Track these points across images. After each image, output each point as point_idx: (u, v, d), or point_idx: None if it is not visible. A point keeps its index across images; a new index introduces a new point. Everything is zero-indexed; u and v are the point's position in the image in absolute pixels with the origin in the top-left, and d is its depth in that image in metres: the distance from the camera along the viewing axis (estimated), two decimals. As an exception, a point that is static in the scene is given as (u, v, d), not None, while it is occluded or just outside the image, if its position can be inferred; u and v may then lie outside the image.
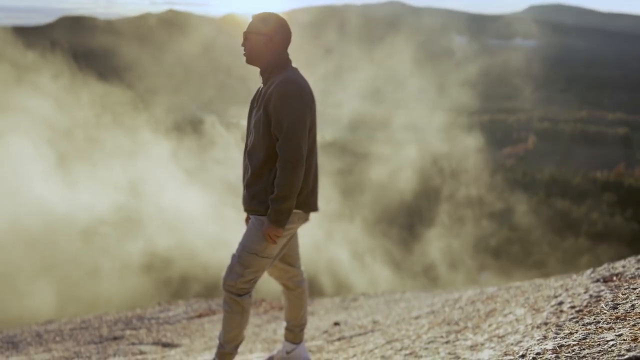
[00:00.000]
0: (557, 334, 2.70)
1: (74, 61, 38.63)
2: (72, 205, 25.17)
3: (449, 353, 3.18)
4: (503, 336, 3.12)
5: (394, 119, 79.68)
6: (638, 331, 2.42)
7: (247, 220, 3.66)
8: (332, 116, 74.95)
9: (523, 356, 2.55)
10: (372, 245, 39.72)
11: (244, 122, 3.77)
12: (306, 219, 3.48)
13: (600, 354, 2.28)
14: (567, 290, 3.62)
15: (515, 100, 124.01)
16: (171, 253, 26.78)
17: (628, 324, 2.55)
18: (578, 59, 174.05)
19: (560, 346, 2.49)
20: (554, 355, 2.41)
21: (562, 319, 2.93)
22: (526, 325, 3.13)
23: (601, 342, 2.40)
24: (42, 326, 8.30)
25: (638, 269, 3.52)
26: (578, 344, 2.46)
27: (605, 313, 2.81)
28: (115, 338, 6.87)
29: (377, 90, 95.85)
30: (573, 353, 2.37)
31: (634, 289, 3.08)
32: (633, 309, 2.73)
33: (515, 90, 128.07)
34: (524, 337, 2.89)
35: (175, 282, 27.34)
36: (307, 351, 3.90)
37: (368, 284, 31.26)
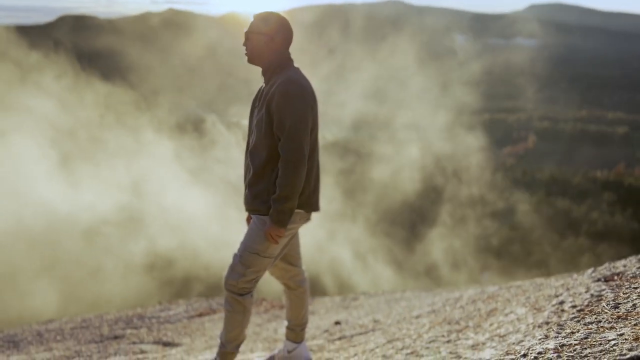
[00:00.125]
0: (558, 333, 2.70)
1: (76, 60, 38.60)
2: (74, 205, 25.17)
3: (450, 352, 3.19)
4: (504, 335, 3.13)
5: (395, 119, 79.63)
6: (639, 330, 2.42)
7: (248, 219, 3.66)
8: (333, 116, 74.91)
9: (525, 355, 2.55)
10: (373, 244, 39.72)
11: (245, 122, 3.77)
12: (308, 219, 3.49)
13: (602, 353, 2.28)
14: (568, 289, 3.62)
15: (515, 99, 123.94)
16: (174, 253, 26.78)
17: (629, 323, 2.55)
18: (578, 58, 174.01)
19: (562, 345, 2.50)
20: (555, 355, 2.42)
21: (563, 319, 2.93)
22: (527, 325, 3.13)
23: (603, 342, 2.40)
24: (43, 325, 8.30)
25: (639, 268, 3.52)
26: (579, 343, 2.46)
27: (606, 312, 2.81)
28: (116, 337, 6.88)
29: (378, 89, 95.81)
30: (575, 352, 2.38)
31: (635, 288, 3.08)
32: (634, 309, 2.73)
33: (515, 90, 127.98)
34: (525, 336, 2.90)
35: (177, 282, 27.34)
36: (308, 350, 3.90)
37: (370, 283, 31.26)
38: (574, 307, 3.08)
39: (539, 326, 2.97)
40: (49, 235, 24.07)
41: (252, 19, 3.39)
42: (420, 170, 52.35)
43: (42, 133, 27.83)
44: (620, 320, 2.63)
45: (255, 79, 3.54)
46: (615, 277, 3.46)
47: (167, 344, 6.18)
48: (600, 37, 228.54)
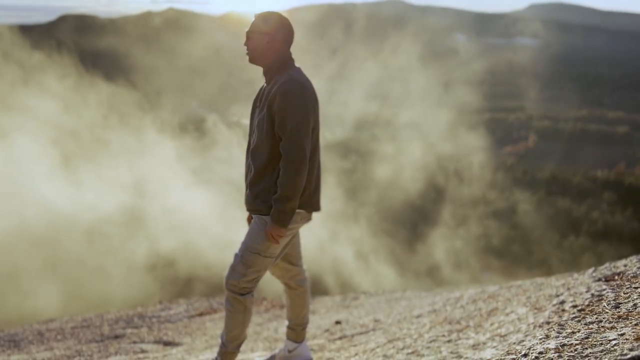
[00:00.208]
0: (559, 333, 2.70)
1: (77, 60, 38.59)
2: (76, 204, 25.17)
3: (451, 352, 3.19)
4: (505, 335, 3.13)
5: (396, 118, 79.69)
6: (640, 330, 2.42)
7: (248, 219, 3.67)
8: (334, 115, 74.90)
9: (525, 355, 2.55)
10: (374, 243, 39.71)
11: (246, 121, 3.77)
12: (309, 219, 3.49)
13: (603, 353, 2.28)
14: (568, 289, 3.62)
15: (515, 98, 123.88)
16: (176, 253, 26.77)
17: (630, 323, 2.55)
18: (579, 58, 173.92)
19: (563, 345, 2.50)
20: (556, 355, 2.42)
21: (564, 318, 2.93)
22: (528, 324, 3.13)
23: (603, 342, 2.40)
24: (44, 325, 8.30)
25: (639, 268, 3.52)
26: (580, 343, 2.47)
27: (607, 312, 2.81)
28: (116, 336, 6.88)
29: (379, 89, 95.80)
30: (575, 352, 2.38)
31: (636, 288, 3.08)
32: (635, 308, 2.73)
33: (515, 89, 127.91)
34: (526, 336, 2.90)
35: (179, 282, 27.33)
36: (309, 350, 3.91)
37: (372, 282, 31.25)
38: (574, 306, 3.08)
39: (540, 326, 2.97)
40: (52, 235, 24.07)
41: (253, 19, 3.39)
42: (420, 169, 52.37)
43: (45, 133, 27.83)
44: (621, 320, 2.63)
45: (256, 78, 3.54)
46: (616, 277, 3.46)
47: (167, 344, 6.18)
48: (601, 36, 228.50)
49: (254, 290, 3.48)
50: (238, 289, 3.41)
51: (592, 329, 2.62)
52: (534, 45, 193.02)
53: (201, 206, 28.47)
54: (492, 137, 74.43)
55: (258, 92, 3.49)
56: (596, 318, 2.77)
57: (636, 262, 3.70)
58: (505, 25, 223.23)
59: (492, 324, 3.55)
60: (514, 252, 50.17)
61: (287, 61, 3.37)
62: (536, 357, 2.47)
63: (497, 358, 2.72)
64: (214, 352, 4.85)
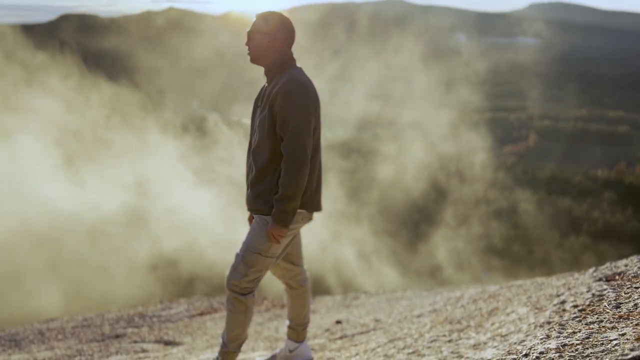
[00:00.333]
0: (560, 333, 2.70)
1: (79, 59, 38.59)
2: (79, 204, 25.19)
3: (452, 352, 3.19)
4: (506, 335, 3.13)
5: (396, 118, 79.64)
6: (641, 330, 2.42)
7: (249, 219, 3.67)
8: (335, 115, 74.87)
9: (526, 355, 2.55)
10: (375, 242, 39.71)
11: (247, 121, 3.77)
12: (310, 219, 3.49)
13: (604, 353, 2.28)
14: (569, 289, 3.62)
15: (516, 98, 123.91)
16: (178, 253, 26.78)
17: (631, 323, 2.56)
18: (579, 57, 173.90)
19: (564, 345, 2.50)
20: (557, 355, 2.42)
21: (565, 318, 2.94)
22: (529, 324, 3.14)
23: (604, 342, 2.40)
24: (44, 324, 8.31)
25: (640, 268, 3.52)
26: (581, 343, 2.47)
27: (608, 312, 2.81)
28: (117, 336, 6.88)
29: (380, 88, 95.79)
30: (576, 352, 2.38)
31: (637, 288, 3.08)
32: (636, 308, 2.74)
33: (516, 88, 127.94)
34: (527, 336, 2.90)
35: (182, 282, 27.32)
36: (309, 349, 3.91)
37: (374, 282, 31.24)
38: (575, 306, 3.08)
39: (541, 326, 2.97)
40: (54, 235, 24.10)
41: (254, 19, 3.39)
42: (421, 169, 52.37)
43: (48, 133, 27.84)
44: (621, 320, 2.64)
45: (257, 78, 3.54)
46: (617, 277, 3.46)
47: (168, 343, 6.18)
48: (601, 36, 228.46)
49: (255, 290, 3.48)
50: (239, 289, 3.41)
51: (593, 329, 2.62)
52: (534, 45, 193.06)
53: (203, 206, 28.48)
54: (493, 137, 74.39)
55: (259, 92, 3.49)
56: (597, 318, 2.77)
57: (637, 262, 3.70)
58: (506, 24, 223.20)
59: (492, 324, 3.55)
60: (514, 252, 50.18)
61: (288, 61, 3.37)
62: (537, 357, 2.47)
63: (498, 358, 2.72)
64: (215, 351, 4.85)
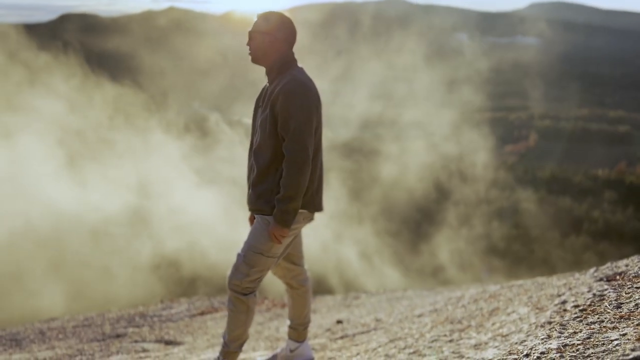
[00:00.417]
0: (561, 333, 2.70)
1: (81, 58, 38.57)
2: (81, 204, 25.19)
3: (453, 352, 3.19)
4: (507, 335, 3.13)
5: (397, 117, 79.62)
6: (642, 331, 2.42)
7: (250, 219, 3.67)
8: (336, 115, 74.86)
9: (527, 355, 2.55)
10: (376, 241, 39.71)
11: (248, 120, 3.78)
12: (311, 219, 3.49)
13: (605, 353, 2.28)
14: (570, 289, 3.63)
15: (516, 97, 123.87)
16: (181, 254, 26.78)
17: (632, 323, 2.56)
18: (580, 57, 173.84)
19: (565, 345, 2.50)
20: (558, 355, 2.42)
21: (565, 318, 2.94)
22: (530, 324, 3.14)
23: (605, 342, 2.40)
24: (45, 323, 8.31)
25: (641, 268, 3.52)
26: (582, 343, 2.47)
27: (609, 312, 2.81)
28: (118, 336, 6.89)
29: (381, 88, 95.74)
30: (577, 352, 2.38)
31: (638, 288, 3.08)
32: (637, 308, 2.74)
33: (516, 88, 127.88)
34: (528, 336, 2.90)
35: (184, 283, 27.31)
36: (310, 349, 3.91)
37: (376, 282, 31.22)
38: (576, 306, 3.08)
39: (542, 326, 2.98)
40: (57, 235, 24.10)
41: (255, 19, 3.39)
42: (422, 168, 52.36)
43: (50, 133, 27.84)
44: (622, 320, 2.64)
45: (258, 77, 3.54)
46: (618, 277, 3.46)
47: (169, 343, 6.19)
48: (602, 35, 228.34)
49: (257, 290, 3.48)
50: (241, 289, 3.42)
51: (594, 329, 2.62)
52: (535, 45, 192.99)
53: (205, 206, 28.47)
54: (493, 136, 74.38)
55: (260, 92, 3.49)
56: (598, 318, 2.77)
57: (638, 262, 3.70)
58: (507, 24, 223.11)
59: (493, 324, 3.55)
60: (515, 251, 50.17)
61: (289, 61, 3.37)
62: (538, 357, 2.48)
63: (499, 358, 2.72)
64: (216, 351, 4.85)
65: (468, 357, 2.98)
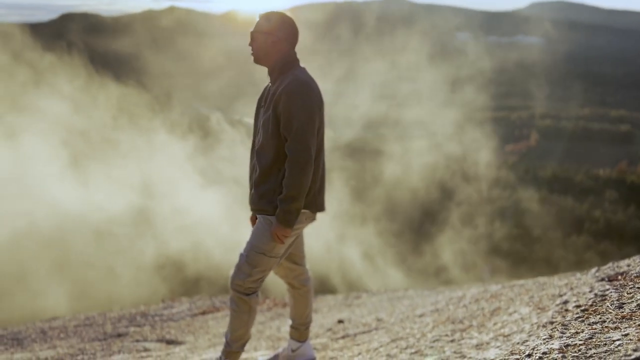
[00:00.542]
0: (563, 333, 2.70)
1: (82, 58, 38.54)
2: (85, 205, 25.19)
3: (455, 352, 3.19)
4: (508, 335, 3.13)
5: (399, 117, 79.60)
6: (644, 331, 2.42)
7: (252, 219, 3.67)
8: (337, 115, 74.83)
9: (529, 355, 2.55)
10: (381, 242, 39.71)
11: (248, 120, 3.78)
12: (313, 219, 3.49)
13: (607, 353, 2.28)
14: (571, 289, 3.62)
15: (517, 97, 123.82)
16: (184, 254, 26.77)
17: (634, 323, 2.55)
18: (581, 56, 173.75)
19: (567, 345, 2.50)
20: (560, 355, 2.42)
21: (567, 318, 2.94)
22: (532, 324, 3.14)
23: (607, 342, 2.40)
24: (47, 323, 8.32)
25: (643, 268, 3.51)
26: (584, 343, 2.47)
27: (610, 312, 2.81)
28: (119, 335, 6.89)
29: (382, 88, 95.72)
30: (579, 353, 2.38)
31: (639, 288, 3.08)
32: (639, 309, 2.73)
33: (517, 87, 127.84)
34: (529, 336, 2.90)
35: (188, 283, 27.29)
36: (312, 349, 3.92)
37: (379, 282, 31.21)
38: (578, 306, 3.08)
39: (543, 326, 2.98)
40: (61, 236, 24.09)
41: (257, 19, 3.40)
42: (423, 168, 52.35)
43: (54, 133, 27.83)
44: (624, 320, 2.64)
45: (260, 77, 3.55)
46: (619, 277, 3.46)
47: (170, 342, 6.19)
48: (603, 34, 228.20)
49: (259, 290, 3.49)
50: (243, 289, 3.42)
51: (595, 329, 2.62)
52: (535, 44, 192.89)
53: (209, 207, 28.47)
54: (494, 136, 74.39)
55: (262, 92, 3.49)
56: (600, 318, 2.77)
57: (639, 262, 3.70)
58: (508, 23, 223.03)
59: (495, 324, 3.55)
60: (516, 251, 50.16)
61: (292, 61, 3.37)
62: (540, 357, 2.48)
63: (500, 358, 2.72)
64: (217, 350, 4.86)
65: (470, 357, 2.98)
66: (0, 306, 20.36)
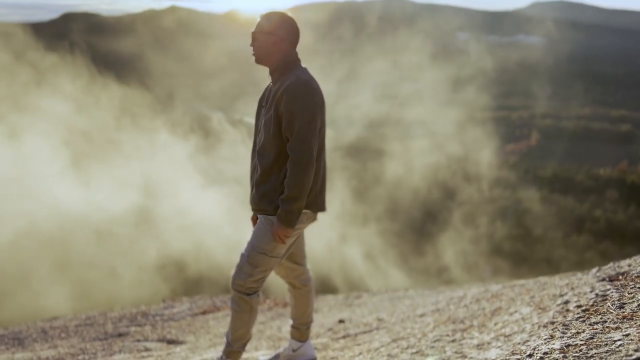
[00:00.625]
0: (564, 333, 2.70)
1: (83, 58, 38.53)
2: (87, 205, 25.19)
3: (456, 352, 3.19)
4: (509, 335, 3.13)
5: (399, 117, 79.56)
6: (645, 331, 2.42)
7: (253, 219, 3.68)
8: (338, 115, 74.80)
9: (530, 356, 2.55)
10: (382, 241, 39.71)
11: (248, 119, 3.79)
12: (314, 219, 3.50)
13: (608, 354, 2.28)
14: (572, 289, 3.62)
15: (518, 97, 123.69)
16: (186, 254, 26.77)
17: (635, 323, 2.56)
18: (581, 56, 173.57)
19: (568, 346, 2.50)
20: (561, 355, 2.42)
21: (568, 318, 2.94)
22: (532, 324, 3.14)
23: (608, 342, 2.40)
24: (48, 322, 8.32)
25: (644, 268, 3.51)
26: (585, 343, 2.47)
27: (611, 312, 2.81)
28: (120, 335, 6.90)
29: (383, 87, 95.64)
30: (580, 353, 2.38)
31: (640, 288, 3.08)
32: (640, 309, 2.74)
33: (518, 87, 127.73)
34: (530, 336, 2.90)
35: (189, 284, 27.28)
36: (313, 349, 3.92)
37: (380, 282, 31.20)
38: (579, 306, 3.08)
39: (545, 326, 2.97)
40: (62, 236, 24.10)
41: (258, 19, 3.40)
42: (424, 167, 52.34)
43: (55, 133, 27.82)
44: (625, 320, 2.64)
45: (261, 76, 3.55)
46: (620, 277, 3.46)
47: (171, 342, 6.19)
48: (604, 34, 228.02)
49: (260, 290, 3.49)
50: (244, 289, 3.42)
51: (596, 329, 2.62)
52: (536, 43, 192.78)
53: (211, 207, 28.46)
54: (495, 135, 74.36)
55: (264, 92, 3.49)
56: (601, 318, 2.77)
57: (640, 262, 3.70)
58: (508, 23, 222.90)
59: (496, 324, 3.55)
60: (516, 251, 50.14)
61: (293, 61, 3.37)
62: (541, 358, 2.48)
63: (502, 358, 2.72)
64: (218, 350, 4.86)
65: (471, 357, 2.98)
66: (2, 306, 20.38)
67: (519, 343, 2.86)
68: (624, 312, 2.75)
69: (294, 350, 3.85)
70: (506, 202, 58.72)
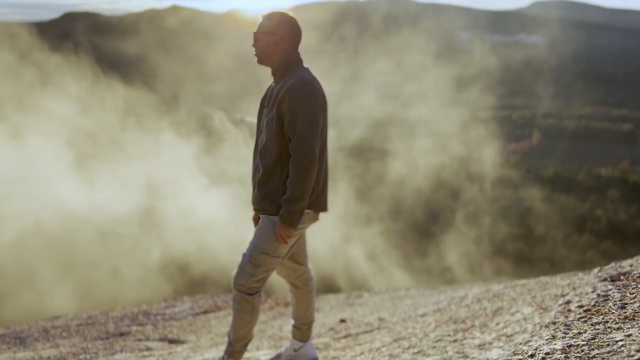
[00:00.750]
0: (565, 333, 2.70)
1: (84, 58, 38.52)
2: (91, 205, 25.20)
3: (457, 352, 3.19)
4: (511, 335, 3.13)
5: (401, 117, 79.51)
6: (647, 331, 2.42)
7: (255, 219, 3.68)
8: (340, 115, 74.77)
9: (532, 356, 2.55)
10: (385, 241, 39.69)
11: (250, 119, 3.79)
12: (316, 219, 3.50)
13: (610, 354, 2.28)
14: (574, 289, 3.62)
15: (519, 96, 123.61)
16: (190, 254, 26.76)
17: (637, 323, 2.55)
18: (583, 55, 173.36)
19: (569, 346, 2.50)
20: (563, 355, 2.42)
21: (570, 319, 2.93)
22: (534, 325, 3.13)
23: (610, 342, 2.40)
24: (49, 322, 8.33)
25: (646, 268, 3.51)
26: (587, 344, 2.47)
27: (613, 313, 2.81)
28: (121, 334, 6.90)
29: (384, 87, 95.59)
30: (582, 353, 2.38)
31: (642, 288, 3.08)
32: (641, 309, 2.73)
33: (519, 87, 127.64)
34: (532, 336, 2.90)
35: (193, 284, 27.28)
36: (314, 348, 3.92)
37: (384, 282, 31.18)
38: (580, 307, 3.08)
39: (546, 326, 2.97)
40: (66, 236, 24.11)
41: (260, 19, 3.40)
42: (426, 167, 52.30)
43: (60, 133, 27.83)
44: (627, 320, 2.63)
45: (263, 76, 3.55)
46: (622, 277, 3.46)
47: (172, 341, 6.20)
48: (605, 33, 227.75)
49: (262, 289, 3.50)
50: (246, 289, 3.43)
51: (598, 329, 2.62)
52: (537, 43, 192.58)
53: (215, 207, 28.46)
54: (496, 135, 74.33)
55: (266, 91, 3.49)
56: (602, 318, 2.77)
57: (642, 262, 3.70)
58: (510, 22, 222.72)
59: (497, 324, 3.55)
60: (518, 250, 50.12)
61: (295, 61, 3.37)
62: (543, 358, 2.48)
63: (503, 358, 2.72)
64: (219, 350, 4.87)
65: (472, 357, 2.98)
66: (6, 306, 20.42)
67: (520, 343, 2.86)
68: (625, 313, 2.75)
69: (295, 350, 3.86)
70: (508, 202, 58.71)
